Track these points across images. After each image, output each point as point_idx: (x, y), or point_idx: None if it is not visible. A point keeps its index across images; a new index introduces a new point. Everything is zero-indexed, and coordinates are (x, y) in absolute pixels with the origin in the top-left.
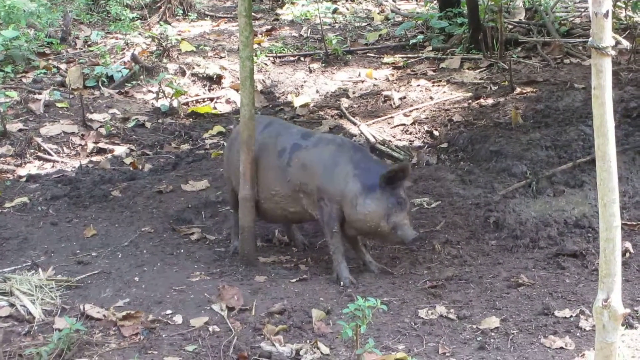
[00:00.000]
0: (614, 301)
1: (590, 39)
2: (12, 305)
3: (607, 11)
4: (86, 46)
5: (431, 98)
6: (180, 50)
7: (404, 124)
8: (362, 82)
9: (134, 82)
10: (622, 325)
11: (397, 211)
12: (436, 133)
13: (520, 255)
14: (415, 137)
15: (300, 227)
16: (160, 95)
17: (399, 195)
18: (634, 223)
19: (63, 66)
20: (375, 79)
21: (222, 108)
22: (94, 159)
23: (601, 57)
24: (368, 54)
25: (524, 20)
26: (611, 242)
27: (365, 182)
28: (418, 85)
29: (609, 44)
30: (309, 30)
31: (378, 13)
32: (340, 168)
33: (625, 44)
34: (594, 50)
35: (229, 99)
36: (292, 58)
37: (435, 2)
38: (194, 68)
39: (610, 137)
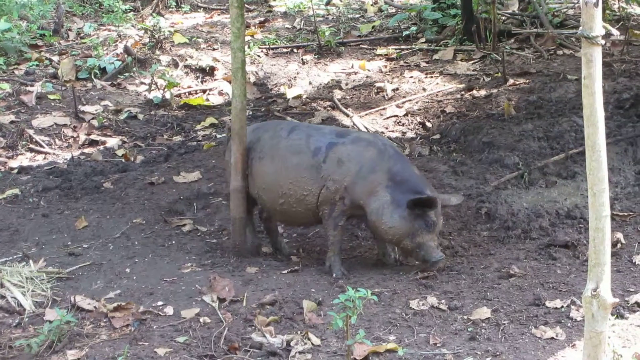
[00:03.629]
0: (603, 290)
1: (580, 28)
2: (2, 297)
3: (597, 0)
4: (79, 38)
5: (424, 89)
6: (173, 42)
7: (396, 116)
8: (355, 73)
9: (126, 74)
10: (613, 315)
11: (424, 233)
12: (429, 124)
13: (512, 246)
14: (408, 129)
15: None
16: (153, 87)
17: (428, 218)
18: (626, 214)
19: (55, 58)
20: (368, 70)
21: (215, 100)
22: (86, 150)
23: (591, 47)
24: (361, 46)
25: (517, 12)
26: (600, 232)
27: (395, 196)
28: (411, 77)
29: (598, 33)
30: (302, 22)
31: (371, 4)
32: (375, 176)
33: (616, 33)
34: (584, 40)
35: (222, 90)
36: (285, 50)
37: None
38: (186, 60)
39: (600, 127)
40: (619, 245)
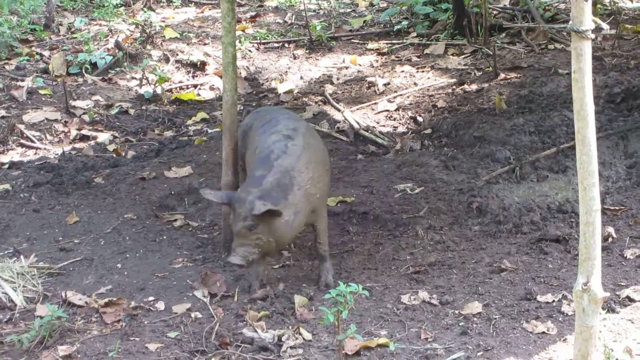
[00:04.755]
0: (594, 285)
1: (570, 22)
2: None
3: None
4: (69, 33)
5: (415, 84)
6: (164, 37)
7: (387, 110)
8: (347, 68)
9: (117, 69)
10: (604, 309)
11: None
12: (420, 119)
13: (503, 241)
14: (399, 123)
15: None
16: (144, 82)
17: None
18: (617, 208)
19: (46, 53)
20: (360, 65)
21: (206, 95)
22: (77, 145)
23: (581, 41)
24: (352, 40)
25: (508, 6)
26: (591, 226)
27: None
28: (402, 72)
29: (588, 27)
30: (294, 16)
31: None
32: None
33: (606, 27)
34: (574, 34)
35: (213, 85)
36: (276, 44)
37: None
38: (177, 55)
39: (590, 121)
40: (610, 240)
